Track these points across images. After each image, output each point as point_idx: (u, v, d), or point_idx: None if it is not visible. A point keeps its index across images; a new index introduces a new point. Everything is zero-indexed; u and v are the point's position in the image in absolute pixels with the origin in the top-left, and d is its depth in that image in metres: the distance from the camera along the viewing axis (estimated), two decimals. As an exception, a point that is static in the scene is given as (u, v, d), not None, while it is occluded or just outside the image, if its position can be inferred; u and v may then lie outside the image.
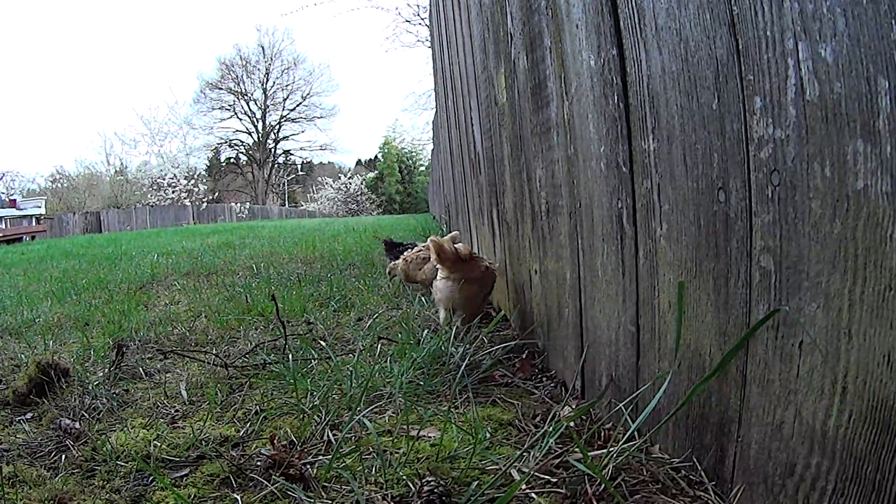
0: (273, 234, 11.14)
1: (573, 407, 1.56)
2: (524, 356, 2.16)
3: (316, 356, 2.21)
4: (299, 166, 57.18)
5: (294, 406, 1.73)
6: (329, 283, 4.06)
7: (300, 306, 3.21)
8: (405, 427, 1.49)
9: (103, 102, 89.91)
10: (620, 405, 1.37)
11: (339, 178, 47.20)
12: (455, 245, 2.35)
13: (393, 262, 3.47)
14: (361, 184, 46.01)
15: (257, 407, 1.78)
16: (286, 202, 52.88)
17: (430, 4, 7.42)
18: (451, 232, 3.50)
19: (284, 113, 53.52)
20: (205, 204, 36.33)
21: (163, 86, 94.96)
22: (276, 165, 54.14)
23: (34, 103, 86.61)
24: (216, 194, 44.80)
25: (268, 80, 52.56)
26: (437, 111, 8.72)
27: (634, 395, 1.34)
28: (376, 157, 53.59)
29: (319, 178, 50.18)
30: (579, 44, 1.42)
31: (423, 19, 22.81)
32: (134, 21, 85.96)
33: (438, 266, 2.42)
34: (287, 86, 53.15)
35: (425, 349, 1.96)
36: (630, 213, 1.28)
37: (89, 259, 7.89)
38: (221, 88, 51.97)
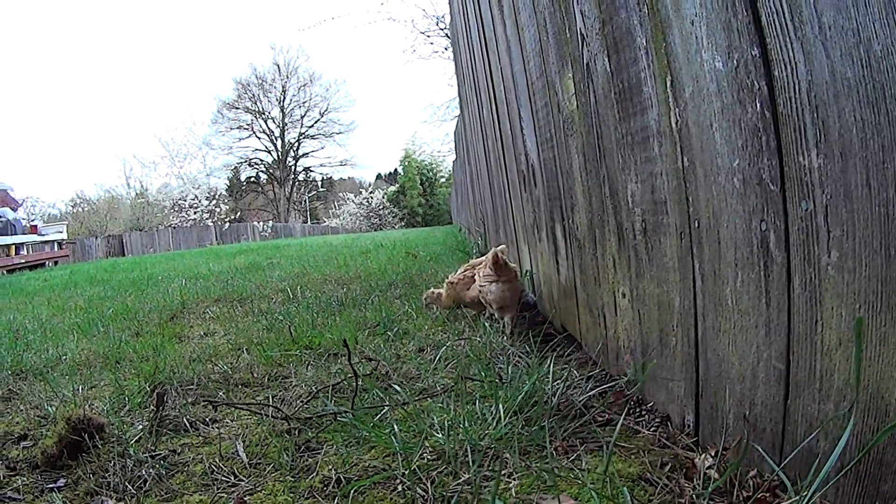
0: (300, 252, 11.00)
1: (712, 455, 1.36)
2: (614, 386, 1.98)
3: (387, 401, 2.00)
4: (320, 182, 57.43)
5: (382, 470, 1.52)
6: (374, 307, 3.90)
7: (351, 336, 3.05)
8: (532, 497, 1.29)
9: (121, 127, 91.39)
10: (781, 469, 1.19)
11: (360, 192, 47.30)
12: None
13: (430, 291, 3.31)
14: (383, 198, 46.04)
15: (336, 473, 1.54)
16: (308, 219, 53.06)
17: (451, 14, 7.27)
18: (491, 248, 3.48)
19: (303, 130, 54.24)
20: (227, 224, 36.53)
21: (180, 108, 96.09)
22: (296, 183, 54.45)
23: (52, 130, 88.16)
24: (238, 214, 45.01)
25: (284, 97, 53.20)
26: (460, 121, 8.57)
27: (804, 442, 1.16)
28: (395, 170, 53.73)
29: (340, 194, 50.31)
30: (696, 43, 1.25)
31: (441, 29, 22.61)
32: (148, 45, 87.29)
33: (494, 276, 2.74)
34: (304, 103, 53.78)
35: (521, 391, 1.75)
36: (781, 238, 1.10)
37: (114, 285, 7.76)
38: (238, 108, 52.75)
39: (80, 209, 42.24)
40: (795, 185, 1.04)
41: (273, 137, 53.43)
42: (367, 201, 45.75)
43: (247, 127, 53.01)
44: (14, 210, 19.36)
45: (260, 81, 52.70)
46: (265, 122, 53.28)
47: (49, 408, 2.35)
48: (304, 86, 53.58)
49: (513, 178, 3.60)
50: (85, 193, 44.96)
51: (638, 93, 1.56)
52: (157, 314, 4.76)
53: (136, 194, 43.34)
